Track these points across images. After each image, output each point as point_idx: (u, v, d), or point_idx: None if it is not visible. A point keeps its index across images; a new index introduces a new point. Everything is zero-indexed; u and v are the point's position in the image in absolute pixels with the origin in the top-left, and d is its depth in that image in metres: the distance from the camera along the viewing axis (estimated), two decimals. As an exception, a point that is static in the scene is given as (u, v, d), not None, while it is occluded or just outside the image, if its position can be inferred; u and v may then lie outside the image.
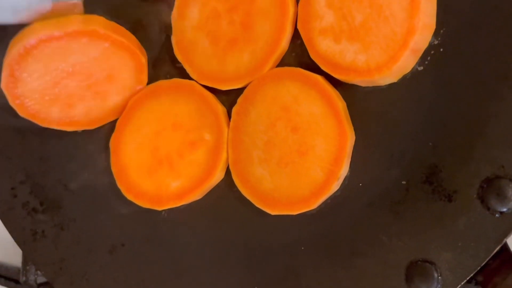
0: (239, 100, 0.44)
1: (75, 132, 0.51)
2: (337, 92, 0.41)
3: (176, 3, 0.46)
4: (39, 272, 0.55)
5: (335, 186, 0.41)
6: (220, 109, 0.45)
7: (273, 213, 0.42)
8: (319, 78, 0.41)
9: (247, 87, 0.44)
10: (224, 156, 0.44)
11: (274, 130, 0.42)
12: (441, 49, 0.39)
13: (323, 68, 0.41)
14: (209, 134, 0.45)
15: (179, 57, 0.46)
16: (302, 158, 0.41)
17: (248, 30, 0.44)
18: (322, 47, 0.41)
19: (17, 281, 0.60)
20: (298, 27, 0.42)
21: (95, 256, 0.49)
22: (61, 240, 0.50)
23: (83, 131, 0.50)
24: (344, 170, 0.40)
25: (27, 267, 0.56)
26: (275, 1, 0.43)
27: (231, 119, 0.44)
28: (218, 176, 0.45)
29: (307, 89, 0.41)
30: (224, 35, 0.45)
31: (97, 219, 0.49)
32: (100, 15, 0.49)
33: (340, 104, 0.41)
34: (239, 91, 0.44)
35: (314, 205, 0.41)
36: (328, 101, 0.41)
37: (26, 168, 0.52)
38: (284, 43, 0.43)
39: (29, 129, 0.52)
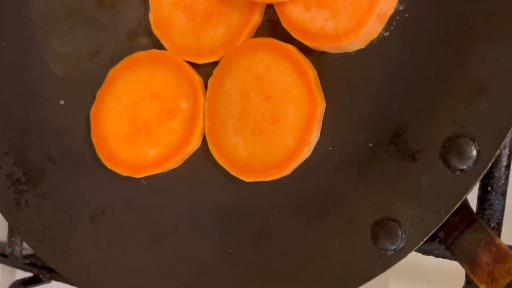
0: (215, 71, 0.45)
1: (57, 104, 0.52)
2: (308, 61, 0.43)
3: None
4: (24, 244, 0.56)
5: (306, 152, 0.42)
6: (197, 78, 0.46)
7: (247, 180, 0.44)
8: (290, 47, 0.43)
9: (222, 59, 0.45)
10: (200, 124, 0.45)
11: (248, 99, 0.44)
12: (406, 15, 0.40)
13: (294, 35, 0.42)
14: (186, 103, 0.46)
15: (156, 33, 0.47)
16: (275, 126, 0.43)
17: (222, 4, 0.45)
18: (293, 14, 0.42)
19: (4, 255, 0.62)
20: (270, -5, 0.43)
21: (77, 223, 0.51)
22: (44, 209, 0.52)
23: (65, 103, 0.52)
24: (314, 136, 0.42)
25: (13, 239, 0.58)
26: None
27: (207, 90, 0.45)
28: (194, 144, 0.46)
29: (279, 59, 0.43)
30: (200, 9, 0.46)
31: (79, 188, 0.51)
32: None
33: (311, 72, 0.42)
34: (216, 64, 0.46)
35: (286, 171, 0.42)
36: (299, 69, 0.42)
37: (10, 140, 0.53)
38: (257, 15, 0.44)
39: (13, 102, 0.53)
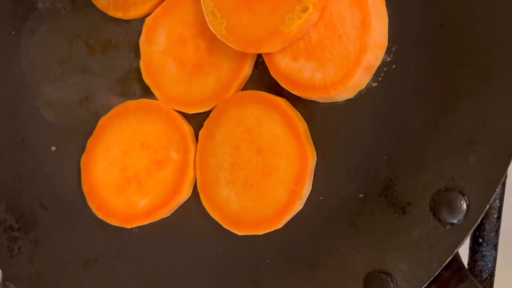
0: (205, 123, 0.45)
1: (48, 150, 0.52)
2: (298, 114, 0.43)
3: (144, 29, 0.47)
4: (18, 289, 0.56)
5: (298, 206, 0.42)
6: (187, 128, 0.46)
7: (240, 233, 0.43)
8: (280, 100, 0.43)
9: (213, 111, 0.45)
10: (190, 174, 0.45)
11: (239, 151, 0.43)
12: (394, 66, 0.40)
13: (283, 85, 0.42)
14: (176, 153, 0.46)
15: (147, 81, 0.47)
16: (266, 179, 0.42)
17: (213, 56, 0.45)
18: (281, 65, 0.42)
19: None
20: (258, 46, 0.43)
21: (70, 271, 0.50)
22: (36, 256, 0.52)
23: (56, 149, 0.52)
24: (306, 190, 0.42)
25: (6, 283, 0.57)
26: None
27: (198, 142, 0.45)
28: (185, 194, 0.46)
29: (269, 112, 0.43)
30: (190, 60, 0.46)
31: (71, 235, 0.51)
32: (70, 35, 0.51)
33: (301, 125, 0.42)
34: (207, 114, 0.46)
35: (279, 224, 0.42)
36: (289, 123, 0.42)
37: (1, 187, 0.53)
38: (247, 68, 0.44)
39: (4, 148, 0.53)
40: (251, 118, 0.43)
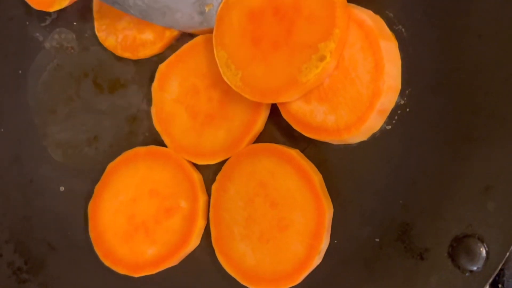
0: (218, 177, 0.44)
1: (57, 190, 0.51)
2: (313, 166, 0.42)
3: (157, 75, 0.47)
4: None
5: (317, 260, 0.41)
6: (196, 177, 0.45)
7: None
8: (294, 153, 0.42)
9: (225, 164, 0.44)
10: (199, 223, 0.45)
11: (253, 206, 0.43)
12: (408, 109, 0.39)
13: (295, 127, 0.42)
14: (185, 201, 0.45)
15: (157, 128, 0.47)
16: (283, 233, 0.42)
17: (225, 108, 0.44)
18: (293, 107, 0.42)
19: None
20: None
21: (79, 314, 0.50)
22: (45, 298, 0.51)
23: (65, 189, 0.51)
24: (324, 244, 0.41)
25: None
26: None
27: (211, 196, 0.45)
28: (193, 243, 0.45)
29: (283, 164, 0.42)
30: (202, 110, 0.45)
31: (80, 278, 0.50)
32: (78, 74, 0.51)
33: (316, 178, 0.41)
34: (216, 163, 0.45)
35: (298, 280, 0.41)
36: (304, 175, 0.41)
37: (10, 227, 0.52)
38: (260, 123, 0.44)
39: (13, 188, 0.53)
40: (264, 171, 0.42)
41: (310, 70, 0.38)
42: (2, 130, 0.53)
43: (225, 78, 0.41)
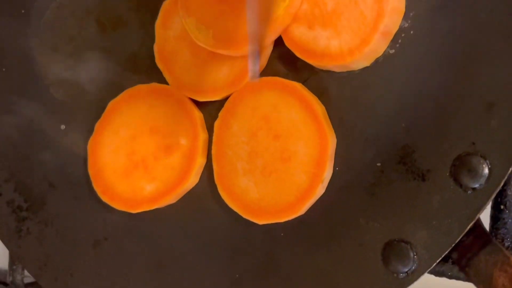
0: (220, 114, 0.44)
1: (58, 129, 0.51)
2: (316, 97, 0.42)
3: (160, 12, 0.47)
4: (26, 273, 0.55)
5: (320, 189, 0.41)
6: (197, 114, 0.45)
7: (260, 223, 0.42)
8: (297, 85, 0.42)
9: (228, 100, 0.44)
10: (198, 161, 0.45)
11: (256, 140, 0.43)
12: (412, 32, 0.39)
13: (298, 54, 0.42)
14: (185, 139, 0.45)
15: (159, 65, 0.47)
16: (286, 165, 0.41)
17: None
18: (296, 34, 0.42)
19: (5, 283, 0.60)
20: (272, 15, 0.43)
21: (79, 251, 0.49)
22: (45, 236, 0.51)
23: (65, 128, 0.51)
24: (328, 173, 0.40)
25: (14, 267, 0.56)
26: None
27: (214, 133, 0.44)
28: (192, 180, 0.45)
29: (285, 97, 0.42)
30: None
31: (80, 215, 0.50)
32: (80, 13, 0.51)
33: (319, 108, 0.41)
34: (217, 102, 0.45)
35: (301, 210, 0.41)
36: (307, 106, 0.41)
37: (10, 167, 0.52)
38: (262, 60, 0.43)
39: (13, 127, 0.53)
40: (267, 105, 0.42)
41: (278, 6, 0.39)
42: (4, 69, 0.53)
43: (198, 42, 0.42)
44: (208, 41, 0.42)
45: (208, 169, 0.46)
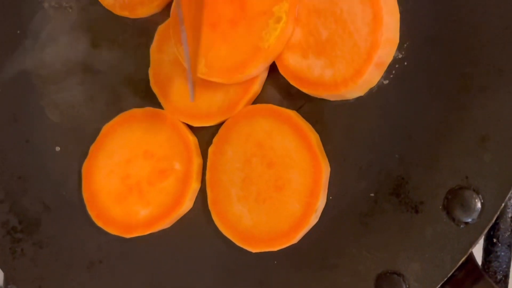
0: (215, 140, 0.44)
1: (53, 150, 0.51)
2: (309, 126, 0.42)
3: (156, 36, 0.47)
4: (21, 292, 0.55)
5: (313, 218, 0.41)
6: (191, 139, 0.45)
7: (254, 251, 0.42)
8: (291, 113, 0.42)
9: (222, 126, 0.44)
10: (193, 186, 0.45)
11: (250, 166, 0.42)
12: (405, 63, 0.39)
13: (292, 83, 0.42)
14: (179, 163, 0.45)
15: (154, 89, 0.47)
16: (279, 193, 0.41)
17: None
18: (290, 62, 0.42)
19: (0, 301, 0.60)
20: (267, 43, 0.42)
21: (74, 273, 0.49)
22: (40, 258, 0.51)
23: (61, 150, 0.51)
24: (321, 202, 0.41)
25: (9, 286, 0.56)
26: None
27: (208, 159, 0.44)
28: (186, 205, 0.45)
29: (280, 125, 0.42)
30: None
31: (75, 237, 0.50)
32: (76, 34, 0.51)
33: (313, 137, 0.41)
34: (212, 126, 0.45)
35: (294, 239, 0.41)
36: (301, 135, 0.41)
37: (5, 187, 0.52)
38: (257, 87, 0.43)
39: (8, 148, 0.53)
40: (261, 132, 0.42)
41: (270, 34, 0.39)
42: (-1, 90, 0.53)
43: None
44: (200, 70, 0.42)
45: (202, 194, 0.46)
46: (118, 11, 0.49)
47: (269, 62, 0.42)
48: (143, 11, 0.48)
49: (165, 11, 0.48)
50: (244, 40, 0.41)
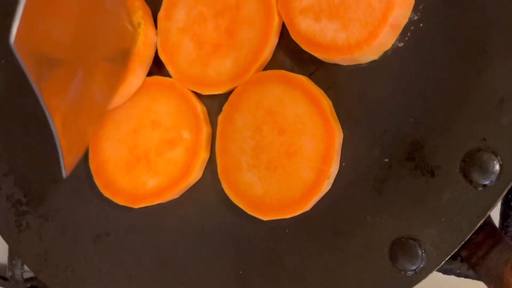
0: (224, 107, 0.43)
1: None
2: (322, 91, 0.41)
3: (163, 4, 0.46)
4: (25, 267, 0.55)
5: (326, 185, 0.40)
6: (200, 108, 0.44)
7: (265, 219, 0.41)
8: (303, 78, 0.41)
9: (232, 94, 0.43)
10: (202, 155, 0.44)
11: (261, 134, 0.42)
12: (421, 25, 0.38)
13: (304, 47, 0.41)
14: (188, 133, 0.44)
15: (162, 57, 0.46)
16: (291, 160, 0.41)
17: (233, 37, 0.43)
18: (302, 26, 0.41)
19: (4, 278, 0.60)
20: (278, 7, 0.42)
21: (80, 246, 0.49)
22: (45, 231, 0.50)
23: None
24: (334, 169, 0.40)
25: (13, 262, 0.56)
26: (260, 10, 0.42)
27: (218, 127, 0.43)
28: (195, 175, 0.44)
29: (291, 91, 0.41)
30: (209, 39, 0.44)
31: (81, 209, 0.49)
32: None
33: (326, 102, 0.40)
34: (221, 95, 0.44)
35: (306, 206, 0.40)
36: (313, 100, 0.40)
37: (9, 160, 0.52)
38: (267, 53, 0.42)
39: (13, 120, 0.52)
40: (272, 98, 0.41)
41: (136, 41, 0.44)
42: (3, 61, 0.52)
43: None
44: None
45: (211, 164, 0.45)
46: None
47: (147, 67, 0.45)
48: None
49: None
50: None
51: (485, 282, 0.35)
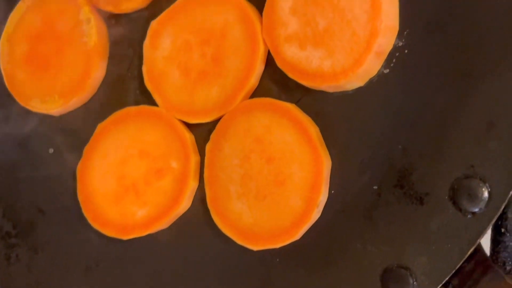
0: (212, 136, 0.43)
1: (46, 153, 0.50)
2: (309, 118, 0.41)
3: (149, 32, 0.46)
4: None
5: (315, 214, 0.39)
6: (188, 136, 0.44)
7: (255, 248, 0.41)
8: (290, 106, 0.41)
9: (219, 122, 0.43)
10: (190, 184, 0.43)
11: (249, 162, 0.41)
12: (406, 51, 0.38)
13: (290, 75, 0.41)
14: (176, 162, 0.44)
15: (149, 86, 0.46)
16: (280, 188, 0.40)
17: (219, 65, 0.43)
18: (288, 54, 0.41)
19: (-4, 309, 0.59)
20: (263, 35, 0.42)
21: (70, 277, 0.48)
22: (35, 263, 0.50)
23: (53, 153, 0.50)
24: (323, 197, 0.39)
25: (4, 293, 0.55)
26: (245, 38, 0.42)
27: (206, 156, 0.43)
28: (184, 204, 0.44)
29: (278, 118, 0.41)
30: (195, 67, 0.44)
31: (71, 240, 0.49)
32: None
33: (313, 129, 0.40)
34: (208, 123, 0.44)
35: (297, 235, 0.40)
36: (301, 128, 0.40)
37: (-3, 192, 0.51)
38: (254, 80, 0.42)
39: (0, 151, 0.51)
40: (259, 126, 0.41)
41: (91, 35, 0.46)
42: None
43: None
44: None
45: (200, 193, 0.44)
46: (103, 6, 0.48)
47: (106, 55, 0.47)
48: (127, 6, 0.47)
49: (150, 7, 0.47)
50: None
51: (477, 311, 0.35)
